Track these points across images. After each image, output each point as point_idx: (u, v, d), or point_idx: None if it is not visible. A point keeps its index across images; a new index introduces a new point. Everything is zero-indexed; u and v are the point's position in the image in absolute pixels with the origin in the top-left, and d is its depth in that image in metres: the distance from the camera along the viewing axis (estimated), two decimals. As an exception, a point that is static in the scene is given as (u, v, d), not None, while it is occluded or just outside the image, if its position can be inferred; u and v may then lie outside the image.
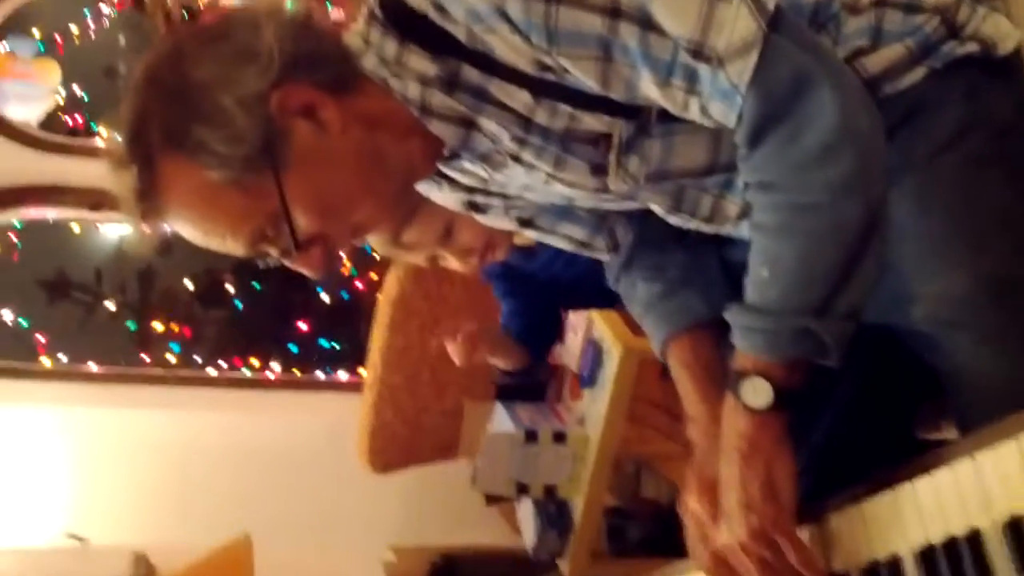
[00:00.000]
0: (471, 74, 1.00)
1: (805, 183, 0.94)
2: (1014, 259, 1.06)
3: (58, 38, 3.72)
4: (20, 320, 4.13)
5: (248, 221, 1.00)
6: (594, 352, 2.51)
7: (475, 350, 2.18)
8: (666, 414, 3.07)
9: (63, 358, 3.90)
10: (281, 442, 3.62)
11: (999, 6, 1.12)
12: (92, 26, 3.78)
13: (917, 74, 1.07)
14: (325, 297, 5.35)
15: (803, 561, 0.98)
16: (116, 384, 3.75)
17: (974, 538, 0.86)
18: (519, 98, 1.00)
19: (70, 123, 3.90)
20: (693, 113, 0.98)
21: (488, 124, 1.03)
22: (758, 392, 0.98)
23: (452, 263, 1.72)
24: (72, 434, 3.50)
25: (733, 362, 1.02)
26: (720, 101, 0.94)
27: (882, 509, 0.97)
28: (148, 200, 1.00)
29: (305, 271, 1.05)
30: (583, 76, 0.96)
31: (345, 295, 5.34)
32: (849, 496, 1.04)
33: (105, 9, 3.88)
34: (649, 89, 0.97)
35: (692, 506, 1.10)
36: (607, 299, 1.87)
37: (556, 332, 2.26)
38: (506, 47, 0.97)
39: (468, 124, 1.04)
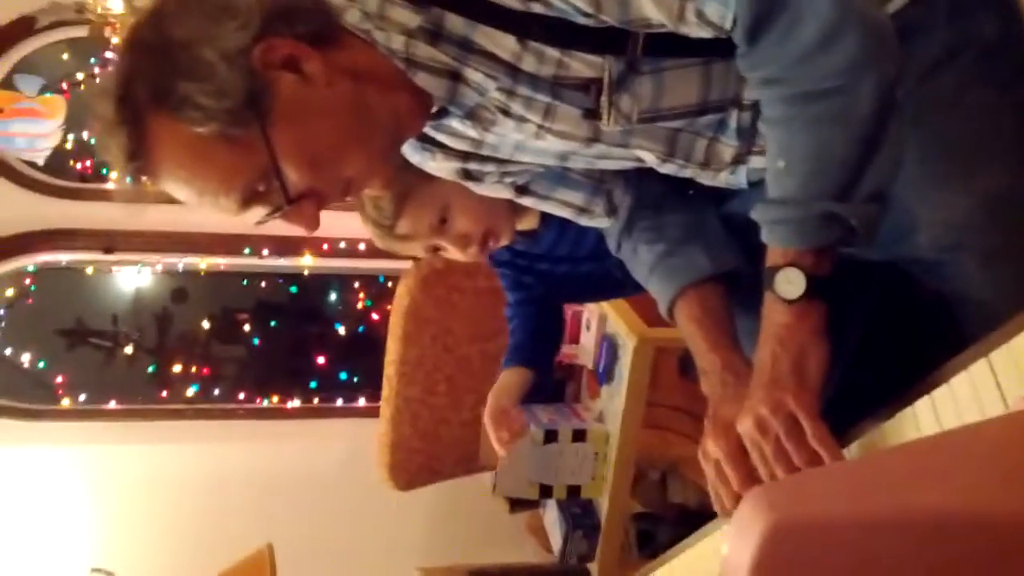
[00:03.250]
0: (455, 23, 1.00)
1: (809, 73, 0.94)
2: (1010, 176, 1.05)
3: (64, 85, 3.76)
4: (39, 363, 4.15)
5: (238, 176, 1.00)
6: (609, 347, 2.50)
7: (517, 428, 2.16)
8: (688, 416, 3.06)
9: (82, 399, 3.90)
10: (303, 469, 3.61)
11: None
12: (98, 72, 3.81)
13: (898, 1, 1.07)
14: (341, 330, 5.35)
15: (819, 436, 0.96)
16: (135, 420, 3.77)
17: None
18: (505, 44, 1.00)
19: (79, 168, 3.92)
20: (689, 20, 0.97)
21: (474, 75, 1.03)
22: (792, 282, 0.98)
23: (452, 253, 1.71)
24: (94, 471, 3.52)
25: (766, 261, 1.01)
26: (716, 0, 0.94)
27: (904, 426, 0.95)
28: (139, 160, 1.00)
29: (297, 226, 1.05)
30: None
31: (361, 328, 5.33)
32: (870, 423, 1.02)
33: (111, 56, 3.92)
34: (642, 3, 0.96)
35: (710, 449, 1.08)
36: (614, 286, 1.87)
37: (561, 329, 2.23)
38: None
39: (454, 76, 1.04)
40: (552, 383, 2.63)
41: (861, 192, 0.95)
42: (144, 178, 1.01)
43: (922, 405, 0.93)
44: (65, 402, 3.85)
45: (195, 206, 1.03)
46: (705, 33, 0.98)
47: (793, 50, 0.93)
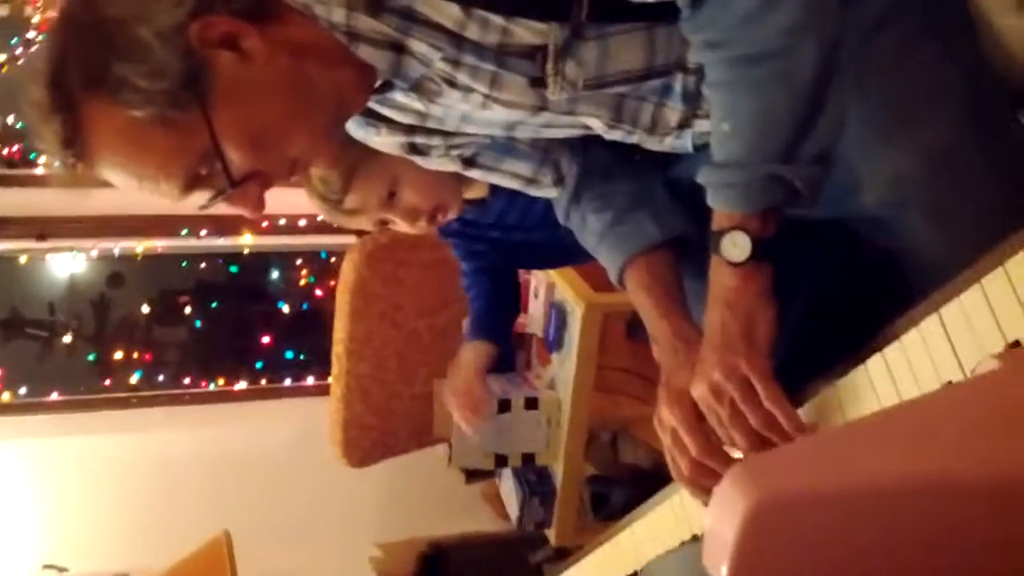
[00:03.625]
0: None
1: (750, 35, 0.93)
2: (953, 130, 1.06)
3: (-13, 68, 3.64)
4: (-26, 358, 4.04)
5: (179, 159, 0.97)
6: (557, 314, 2.51)
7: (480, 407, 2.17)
8: (637, 377, 3.08)
9: (23, 391, 3.81)
10: (254, 451, 3.58)
11: None
12: (20, 53, 3.69)
13: None
14: (285, 308, 5.29)
15: (773, 397, 0.97)
16: (80, 411, 3.70)
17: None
18: (448, 12, 0.98)
19: (6, 154, 3.81)
20: None
21: (418, 46, 1.01)
22: (737, 245, 0.98)
23: (400, 226, 1.70)
24: (40, 466, 3.44)
25: (712, 224, 1.01)
26: None
27: (857, 384, 0.97)
28: (75, 146, 0.96)
29: (242, 210, 1.02)
30: None
31: (305, 305, 5.28)
32: (823, 382, 1.04)
33: (33, 35, 3.80)
34: None
35: (664, 416, 1.09)
36: (567, 254, 1.87)
37: (517, 294, 2.24)
38: None
39: (398, 48, 1.02)
40: (513, 354, 2.64)
41: (805, 154, 0.96)
42: (80, 166, 0.98)
43: (874, 362, 0.95)
44: (5, 396, 3.76)
45: (135, 192, 1.00)
46: None
47: (736, 12, 0.93)
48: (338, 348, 2.82)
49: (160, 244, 3.84)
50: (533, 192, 1.34)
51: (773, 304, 1.01)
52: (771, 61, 0.94)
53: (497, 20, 0.99)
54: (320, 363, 4.26)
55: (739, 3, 0.92)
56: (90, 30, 0.94)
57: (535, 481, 2.66)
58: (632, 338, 2.83)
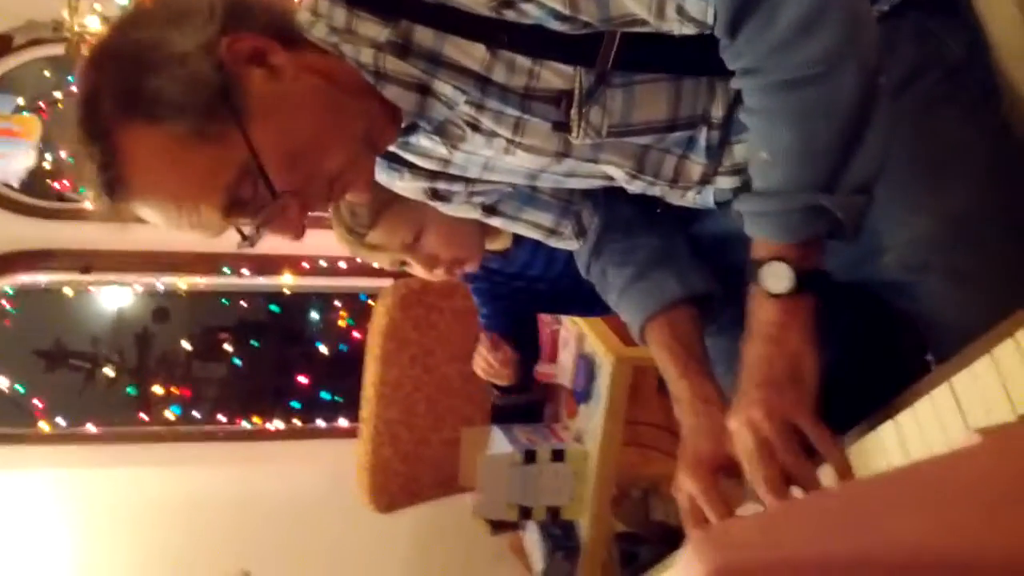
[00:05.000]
0: (424, 35, 0.99)
1: (788, 62, 0.92)
2: (973, 194, 1.05)
3: (42, 104, 3.74)
4: (17, 386, 4.10)
5: (218, 176, 0.95)
6: (586, 366, 2.49)
7: (502, 354, 2.17)
8: (668, 434, 3.04)
9: (61, 422, 3.86)
10: (283, 491, 3.58)
11: None
12: (76, 91, 3.79)
13: None
14: (323, 349, 5.33)
15: (823, 440, 0.94)
16: (116, 444, 3.72)
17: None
18: (474, 54, 0.98)
19: (58, 188, 3.90)
20: (670, 17, 0.96)
21: (443, 88, 1.01)
22: (778, 277, 0.96)
23: (417, 270, 1.71)
24: (74, 496, 3.47)
25: (751, 253, 0.99)
26: None
27: (868, 450, 0.95)
28: (112, 174, 0.94)
29: (283, 233, 1.01)
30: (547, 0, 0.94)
31: (343, 347, 5.32)
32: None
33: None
34: (622, 0, 0.95)
35: (683, 482, 1.07)
36: (588, 305, 1.86)
37: (536, 338, 2.24)
38: None
39: (423, 89, 1.02)
40: (534, 395, 2.63)
41: (847, 183, 0.94)
42: (119, 198, 0.96)
43: (886, 429, 0.92)
44: (43, 426, 3.80)
45: (174, 225, 0.99)
46: (688, 30, 0.97)
47: (772, 38, 0.92)
48: (368, 391, 2.83)
49: (203, 281, 3.89)
50: (554, 243, 1.34)
51: (816, 341, 0.97)
52: (809, 88, 0.92)
53: (524, 62, 0.99)
54: (355, 405, 4.28)
55: (776, 30, 0.91)
56: (121, 55, 0.96)
57: (560, 535, 2.62)
58: (664, 393, 2.79)
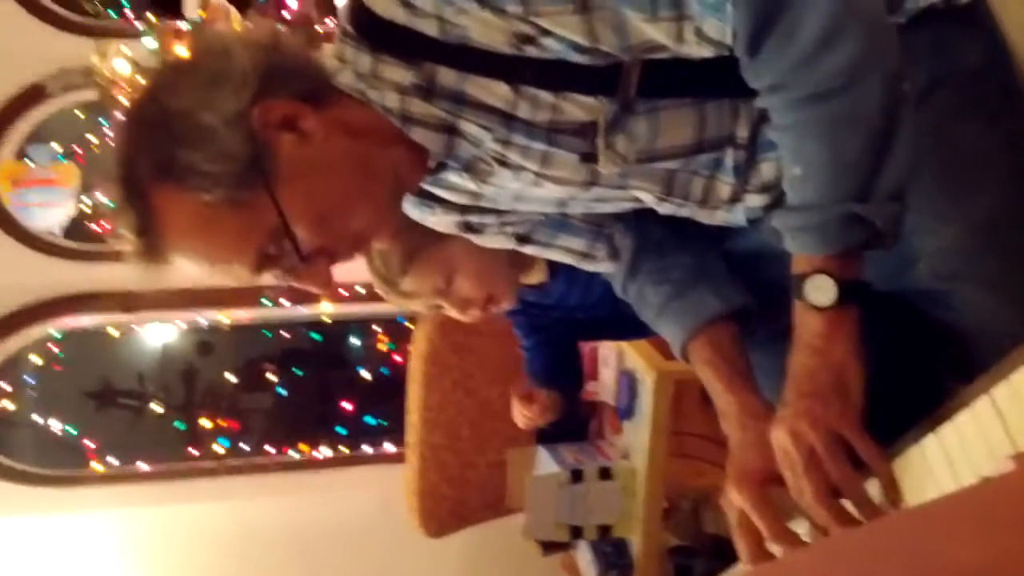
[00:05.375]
0: (447, 77, 1.00)
1: (811, 76, 0.92)
2: (999, 202, 1.04)
3: (77, 148, 3.81)
4: (68, 428, 4.17)
5: (249, 240, 0.99)
6: (628, 383, 2.48)
7: (537, 406, 2.16)
8: (716, 445, 3.02)
9: (114, 462, 3.92)
10: (335, 519, 3.60)
11: None
12: (111, 134, 3.85)
13: None
14: (366, 374, 5.36)
15: (870, 452, 0.93)
16: (168, 481, 3.77)
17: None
18: (498, 92, 0.99)
19: (98, 231, 3.97)
20: (689, 40, 0.96)
21: (469, 127, 1.02)
22: (822, 289, 0.95)
23: (452, 312, 1.72)
24: (129, 535, 3.52)
25: (792, 268, 0.99)
26: (713, 17, 0.93)
27: (912, 464, 0.93)
28: (149, 236, 0.99)
29: (312, 288, 1.04)
30: (567, 33, 0.94)
31: (385, 371, 5.35)
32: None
33: (121, 116, 3.96)
34: (640, 27, 0.95)
35: (732, 496, 1.06)
36: (628, 329, 1.86)
37: (579, 366, 2.23)
38: (481, 27, 0.96)
39: (450, 130, 1.03)
40: (578, 414, 2.62)
41: (880, 190, 0.94)
42: (155, 258, 1.00)
43: (929, 442, 0.91)
44: (96, 466, 3.86)
45: (208, 274, 1.03)
46: (707, 52, 0.97)
47: (794, 53, 0.92)
48: (412, 417, 2.84)
49: (244, 314, 3.93)
50: (588, 267, 1.34)
51: (862, 354, 0.97)
52: (834, 100, 0.92)
53: (547, 97, 0.99)
54: (399, 429, 4.30)
55: (796, 45, 0.91)
56: (156, 123, 0.98)
57: (612, 553, 2.61)
58: (708, 403, 2.77)
